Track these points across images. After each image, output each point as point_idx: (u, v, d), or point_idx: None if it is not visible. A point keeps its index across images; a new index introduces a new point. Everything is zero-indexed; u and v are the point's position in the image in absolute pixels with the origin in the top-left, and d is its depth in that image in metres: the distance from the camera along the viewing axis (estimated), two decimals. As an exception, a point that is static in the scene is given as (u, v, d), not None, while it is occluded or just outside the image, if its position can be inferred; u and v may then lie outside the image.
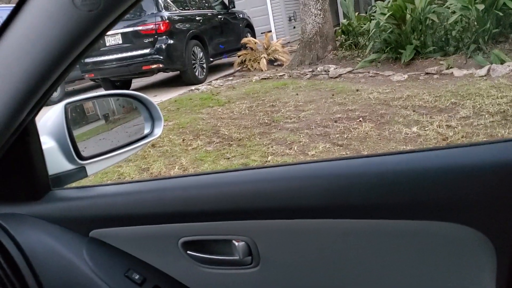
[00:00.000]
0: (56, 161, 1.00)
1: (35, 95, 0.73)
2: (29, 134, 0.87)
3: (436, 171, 0.72)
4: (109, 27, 0.65)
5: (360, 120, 4.65)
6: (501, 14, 6.50)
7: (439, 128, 4.06)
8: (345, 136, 4.26)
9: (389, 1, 7.67)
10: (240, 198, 0.85)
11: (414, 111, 4.69)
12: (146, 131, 1.22)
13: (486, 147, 0.73)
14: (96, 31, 0.63)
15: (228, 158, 4.11)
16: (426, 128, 4.10)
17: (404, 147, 3.78)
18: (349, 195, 0.77)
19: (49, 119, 1.02)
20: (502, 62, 5.90)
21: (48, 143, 0.99)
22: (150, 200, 0.92)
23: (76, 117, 1.18)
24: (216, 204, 0.86)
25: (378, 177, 0.75)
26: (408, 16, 7.10)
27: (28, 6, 0.65)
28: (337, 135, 4.31)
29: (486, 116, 4.15)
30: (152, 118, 1.22)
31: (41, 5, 0.64)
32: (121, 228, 0.94)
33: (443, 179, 0.71)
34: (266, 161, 3.91)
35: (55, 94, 8.29)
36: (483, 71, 5.77)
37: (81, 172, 1.05)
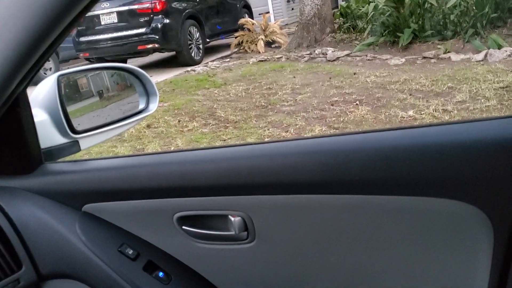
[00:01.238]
0: (48, 134, 0.98)
1: (26, 64, 0.71)
2: (20, 105, 0.85)
3: (434, 147, 0.71)
4: None
5: (356, 104, 4.63)
6: (500, -2, 6.46)
7: (435, 112, 4.06)
8: (342, 119, 4.25)
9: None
10: (236, 173, 0.83)
11: (410, 95, 4.68)
12: (141, 106, 1.19)
13: (485, 123, 0.72)
14: None
15: (224, 140, 4.10)
16: (422, 112, 4.10)
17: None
18: (346, 171, 0.76)
19: (41, 91, 1.00)
20: (500, 47, 5.87)
21: (40, 116, 0.96)
22: (145, 175, 0.91)
23: (69, 93, 1.15)
24: (212, 179, 0.85)
25: (375, 153, 0.74)
26: (407, -1, 7.05)
27: None
28: (333, 118, 4.30)
29: (482, 100, 4.15)
30: (147, 93, 1.20)
31: None
32: (115, 202, 0.93)
33: (441, 156, 0.70)
34: (262, 143, 3.90)
35: (49, 73, 8.19)
36: (480, 56, 5.75)
37: (74, 146, 1.03)
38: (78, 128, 1.05)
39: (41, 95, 0.99)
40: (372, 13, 7.55)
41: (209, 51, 9.56)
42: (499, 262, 0.70)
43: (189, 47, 8.22)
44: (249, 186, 0.82)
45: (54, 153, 0.99)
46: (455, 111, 3.99)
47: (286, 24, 11.67)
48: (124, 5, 7.67)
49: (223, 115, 4.85)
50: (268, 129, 4.23)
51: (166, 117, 4.94)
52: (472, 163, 0.69)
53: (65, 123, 0.98)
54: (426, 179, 0.71)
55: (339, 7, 9.75)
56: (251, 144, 0.93)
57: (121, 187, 0.92)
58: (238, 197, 0.84)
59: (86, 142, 1.05)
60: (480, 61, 5.65)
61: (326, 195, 0.78)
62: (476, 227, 0.70)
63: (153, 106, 1.18)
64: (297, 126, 4.24)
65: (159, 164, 0.92)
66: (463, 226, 0.72)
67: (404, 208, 0.74)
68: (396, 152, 0.73)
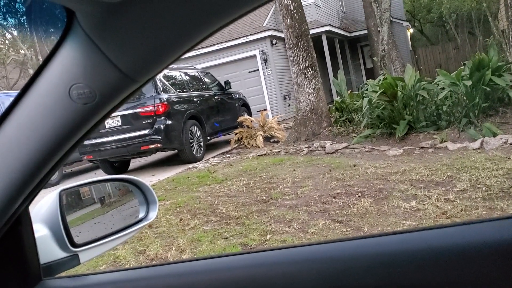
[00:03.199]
0: (48, 249, 0.97)
1: (30, 184, 0.74)
2: (22, 223, 0.86)
3: (432, 251, 0.71)
4: (104, 118, 0.67)
5: (359, 196, 4.63)
6: (488, 89, 6.74)
7: (438, 201, 4.04)
8: (345, 212, 4.22)
9: (379, 79, 7.98)
10: (233, 284, 0.82)
11: (411, 185, 4.69)
12: (141, 215, 1.21)
13: (482, 226, 0.73)
14: (91, 123, 0.65)
15: (226, 238, 4.03)
16: (425, 202, 4.08)
17: (404, 222, 3.73)
18: (344, 278, 0.75)
19: (43, 207, 1.01)
20: (495, 134, 6.02)
21: (41, 231, 0.97)
22: None
23: (71, 201, 1.17)
24: None
25: (373, 259, 0.74)
26: (399, 93, 7.34)
27: (26, 98, 0.68)
28: (336, 211, 4.27)
29: (483, 188, 4.15)
30: (147, 201, 1.21)
31: (39, 98, 0.66)
32: None
33: (440, 259, 0.70)
34: (265, 240, 3.83)
35: (53, 177, 8.29)
36: (476, 144, 5.86)
37: (73, 260, 1.02)
38: (78, 239, 1.05)
39: (42, 210, 1.01)
40: (367, 106, 7.83)
41: (210, 147, 9.78)
42: None
43: (191, 145, 8.43)
44: None
45: (54, 268, 0.98)
46: (458, 200, 3.98)
47: (284, 120, 12.06)
48: (127, 109, 7.99)
49: (224, 211, 4.83)
50: (271, 224, 4.18)
51: (168, 216, 4.91)
52: (471, 266, 0.68)
53: (65, 238, 0.98)
54: (425, 283, 0.71)
55: (334, 102, 10.14)
56: (248, 252, 0.92)
57: None
58: None
59: (86, 255, 1.05)
60: (476, 149, 5.75)
61: None
62: None
63: (153, 215, 1.20)
64: (300, 220, 4.19)
65: (156, 277, 0.91)
66: None
67: None
68: (394, 257, 0.73)
